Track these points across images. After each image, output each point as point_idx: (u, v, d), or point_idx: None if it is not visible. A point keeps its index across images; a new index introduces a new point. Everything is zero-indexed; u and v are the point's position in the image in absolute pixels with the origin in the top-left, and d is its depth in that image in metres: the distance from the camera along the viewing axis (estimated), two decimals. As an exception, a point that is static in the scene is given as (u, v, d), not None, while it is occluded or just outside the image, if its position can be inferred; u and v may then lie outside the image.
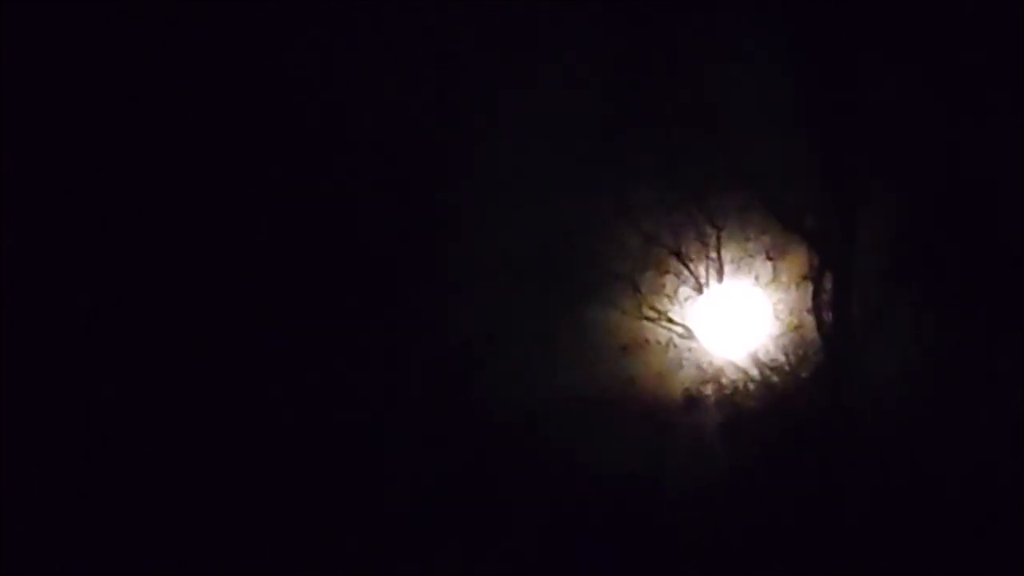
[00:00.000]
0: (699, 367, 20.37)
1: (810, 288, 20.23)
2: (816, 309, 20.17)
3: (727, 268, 20.40)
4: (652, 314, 20.38)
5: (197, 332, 20.06)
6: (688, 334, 20.39)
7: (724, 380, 20.33)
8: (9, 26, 20.01)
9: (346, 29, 20.60)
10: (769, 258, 20.34)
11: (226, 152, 20.25)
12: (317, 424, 20.02)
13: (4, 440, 19.44)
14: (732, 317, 20.43)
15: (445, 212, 20.24)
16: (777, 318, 20.40)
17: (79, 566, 19.32)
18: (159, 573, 19.43)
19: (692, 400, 20.31)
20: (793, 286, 20.34)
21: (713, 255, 20.36)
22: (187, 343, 20.03)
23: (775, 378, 20.24)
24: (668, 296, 20.42)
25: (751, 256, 20.39)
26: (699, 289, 20.42)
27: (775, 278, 20.39)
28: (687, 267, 20.39)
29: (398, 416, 20.18)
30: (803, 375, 20.22)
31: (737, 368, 20.34)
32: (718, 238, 20.33)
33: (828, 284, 20.13)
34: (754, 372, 20.29)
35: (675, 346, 20.37)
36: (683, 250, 20.38)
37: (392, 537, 19.91)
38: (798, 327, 20.30)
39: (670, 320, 20.40)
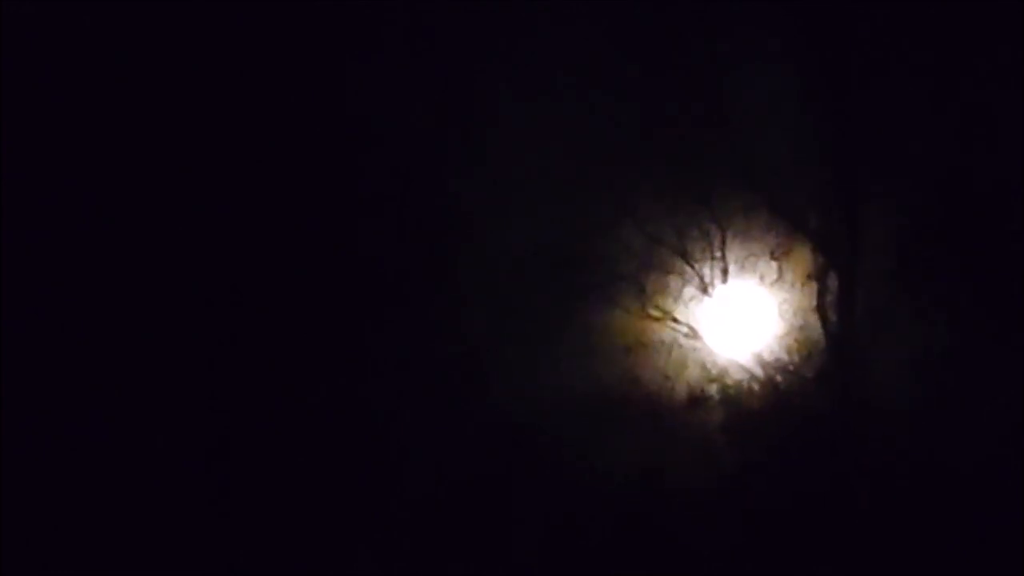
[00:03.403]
0: (704, 367, 20.42)
1: (815, 288, 20.26)
2: (821, 309, 20.20)
3: (732, 268, 20.45)
4: (657, 314, 20.45)
5: (207, 335, 20.19)
6: (693, 334, 20.45)
7: (729, 380, 20.38)
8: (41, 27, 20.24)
9: (352, 31, 20.59)
10: (774, 258, 20.37)
11: (234, 159, 20.34)
12: (324, 425, 20.09)
13: (4, 440, 19.59)
14: (737, 317, 20.47)
15: (451, 214, 20.33)
16: (782, 318, 20.42)
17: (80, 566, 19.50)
18: (164, 573, 19.56)
19: (697, 400, 20.36)
20: (798, 286, 20.36)
21: (718, 255, 20.41)
22: (197, 346, 20.19)
23: (780, 378, 20.27)
24: (673, 296, 20.48)
25: (756, 256, 20.42)
26: (704, 289, 20.46)
27: (780, 278, 20.41)
28: (692, 267, 20.44)
29: (404, 416, 20.27)
30: (808, 375, 20.24)
31: (742, 368, 20.37)
32: (723, 238, 20.39)
33: (833, 284, 20.15)
34: (759, 372, 20.31)
35: (680, 346, 20.43)
36: (688, 250, 20.44)
37: (399, 535, 20.01)
38: (803, 327, 20.31)
39: (675, 320, 20.46)
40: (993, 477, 19.30)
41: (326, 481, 19.98)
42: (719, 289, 20.49)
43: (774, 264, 20.38)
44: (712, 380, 20.40)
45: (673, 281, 20.48)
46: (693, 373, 20.41)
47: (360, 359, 20.37)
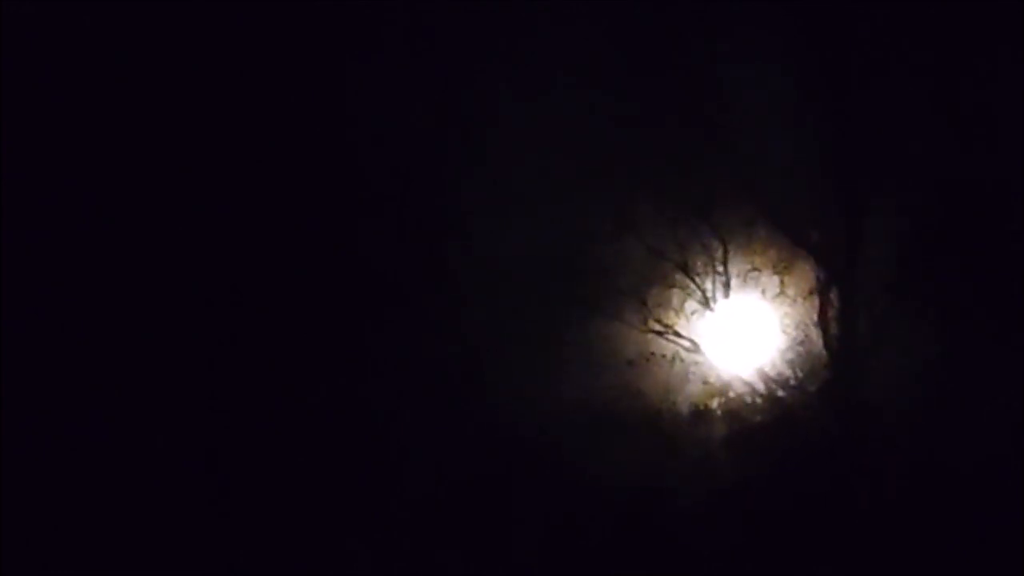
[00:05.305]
0: (705, 381, 20.41)
1: (816, 302, 20.23)
2: (822, 323, 20.18)
3: (734, 282, 20.41)
4: (659, 328, 20.40)
5: (207, 335, 20.21)
6: (694, 348, 20.43)
7: (730, 394, 20.38)
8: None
9: (352, 31, 20.51)
10: (775, 272, 20.35)
11: (234, 159, 20.30)
12: (324, 425, 20.14)
13: (4, 440, 19.63)
14: (738, 331, 20.45)
15: (452, 226, 20.25)
16: (783, 332, 20.41)
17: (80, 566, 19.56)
18: (164, 573, 19.63)
19: (698, 414, 20.37)
20: (799, 300, 20.34)
21: (720, 269, 20.37)
22: (197, 346, 20.21)
23: (781, 392, 20.28)
24: (675, 310, 20.44)
25: (757, 270, 20.39)
26: (705, 303, 20.44)
27: (781, 292, 20.39)
28: (694, 281, 20.39)
29: (404, 416, 20.29)
30: (809, 389, 20.25)
31: (743, 382, 20.37)
32: (725, 252, 20.33)
33: (834, 298, 20.12)
34: (760, 386, 20.32)
35: (681, 360, 20.40)
36: (690, 264, 20.38)
37: (400, 544, 20.07)
38: (804, 341, 20.31)
39: (677, 334, 20.42)
40: (995, 492, 19.29)
41: (326, 481, 19.98)
42: (721, 303, 20.47)
43: (776, 278, 20.36)
44: (714, 394, 20.40)
45: (675, 295, 20.44)
46: (695, 387, 20.40)
47: (360, 359, 20.35)
